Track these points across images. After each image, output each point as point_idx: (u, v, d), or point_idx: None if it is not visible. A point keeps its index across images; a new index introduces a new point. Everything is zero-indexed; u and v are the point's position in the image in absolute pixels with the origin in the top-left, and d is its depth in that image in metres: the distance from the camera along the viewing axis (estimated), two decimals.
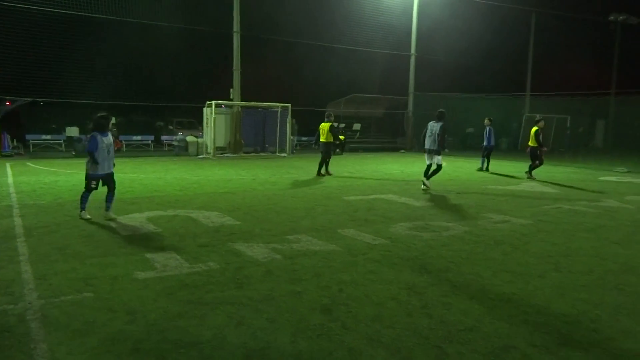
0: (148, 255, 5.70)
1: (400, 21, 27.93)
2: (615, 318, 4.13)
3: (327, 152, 14.42)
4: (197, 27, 24.93)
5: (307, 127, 28.19)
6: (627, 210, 9.36)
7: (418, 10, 27.56)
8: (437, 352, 3.49)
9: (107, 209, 7.71)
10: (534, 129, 14.29)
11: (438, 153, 11.48)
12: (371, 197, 10.44)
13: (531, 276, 5.21)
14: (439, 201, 9.99)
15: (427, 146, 11.61)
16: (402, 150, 27.52)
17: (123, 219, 7.65)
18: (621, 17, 33.15)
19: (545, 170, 15.34)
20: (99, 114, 7.74)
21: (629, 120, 36.02)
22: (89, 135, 7.70)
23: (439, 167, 11.60)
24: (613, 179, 14.70)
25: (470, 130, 31.35)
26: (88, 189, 7.67)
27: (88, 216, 7.63)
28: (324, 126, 14.31)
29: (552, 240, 6.84)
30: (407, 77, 28.91)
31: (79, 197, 7.86)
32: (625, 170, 16.91)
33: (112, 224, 7.29)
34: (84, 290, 4.56)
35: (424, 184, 11.64)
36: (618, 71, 35.19)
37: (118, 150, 23.07)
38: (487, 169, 16.46)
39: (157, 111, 30.40)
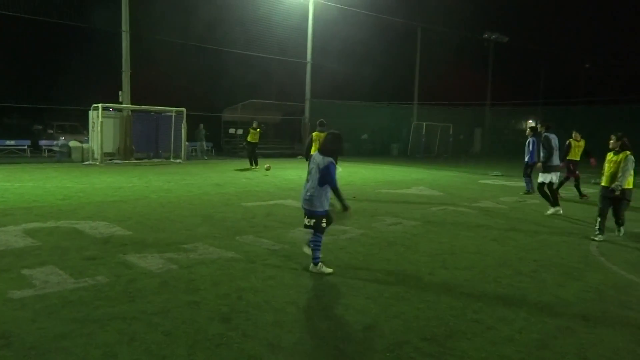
0: (25, 271, 5.16)
1: (296, 29, 28.35)
2: (494, 308, 4.53)
3: None
4: (82, 24, 23.17)
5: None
6: (501, 210, 10.32)
7: (313, 19, 28.17)
8: (336, 352, 3.57)
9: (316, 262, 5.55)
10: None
11: (544, 170, 9.73)
12: (270, 202, 10.43)
13: (422, 274, 5.54)
14: (335, 206, 10.24)
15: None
16: (300, 156, 27.88)
17: None
18: (494, 36, 36.65)
19: (431, 175, 16.42)
20: (335, 134, 5.69)
21: (501, 128, 40.11)
22: (325, 163, 5.42)
23: (550, 185, 9.76)
24: (489, 182, 16.17)
25: (364, 136, 32.68)
26: (321, 231, 5.56)
27: (330, 270, 5.52)
28: (318, 135, 10.78)
29: (439, 239, 7.33)
30: (303, 84, 29.39)
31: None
32: (499, 174, 18.66)
33: None
34: None
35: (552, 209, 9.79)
36: (492, 84, 38.86)
37: None
38: (530, 191, 12.84)
39: (34, 114, 27.74)
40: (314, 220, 5.48)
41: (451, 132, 34.37)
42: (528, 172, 12.87)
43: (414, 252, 6.51)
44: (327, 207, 5.56)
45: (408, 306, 4.51)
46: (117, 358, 3.38)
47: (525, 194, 12.82)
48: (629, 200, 7.52)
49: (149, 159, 22.25)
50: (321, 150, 5.62)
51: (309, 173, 5.71)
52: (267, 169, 13.29)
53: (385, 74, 36.66)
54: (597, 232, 7.55)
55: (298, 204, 10.32)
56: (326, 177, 5.42)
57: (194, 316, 4.14)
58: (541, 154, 9.94)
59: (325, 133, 10.58)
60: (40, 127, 27.63)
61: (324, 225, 5.54)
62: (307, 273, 5.43)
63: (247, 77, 31.57)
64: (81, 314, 4.11)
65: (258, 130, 19.08)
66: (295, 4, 27.44)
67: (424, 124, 33.25)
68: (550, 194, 9.81)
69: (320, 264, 5.50)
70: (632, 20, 42.49)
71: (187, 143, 23.34)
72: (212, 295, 4.64)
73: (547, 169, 9.71)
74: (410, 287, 5.05)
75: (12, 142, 23.03)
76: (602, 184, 7.60)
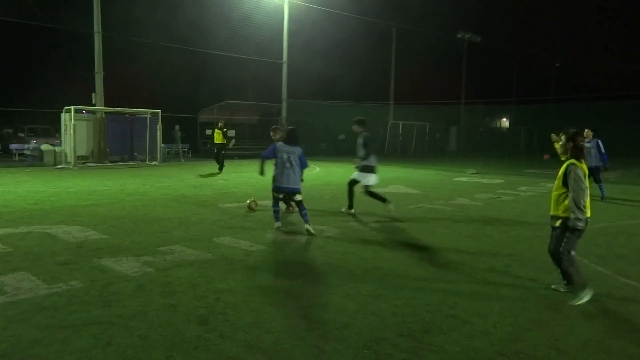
0: None
1: (272, 29, 28.27)
2: (469, 303, 4.61)
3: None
4: (54, 25, 22.63)
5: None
6: (476, 207, 10.50)
7: (289, 20, 28.12)
8: (315, 351, 3.59)
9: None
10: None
11: (361, 167, 9.08)
12: (247, 203, 10.37)
13: (399, 271, 5.60)
14: (313, 205, 10.27)
15: None
16: None
17: None
18: (467, 36, 37.19)
19: (408, 173, 16.59)
20: (294, 128, 7.75)
21: (475, 127, 40.77)
22: (302, 151, 7.53)
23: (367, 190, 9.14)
24: (464, 179, 16.41)
25: (341, 136, 32.80)
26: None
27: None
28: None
29: (416, 237, 7.42)
30: (280, 85, 29.33)
31: None
32: (474, 171, 18.96)
33: None
34: None
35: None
36: (466, 83, 39.44)
37: None
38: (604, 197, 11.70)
39: (4, 117, 27.04)
40: (301, 195, 7.40)
41: (427, 130, 34.75)
42: (600, 177, 11.70)
43: (391, 250, 6.57)
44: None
45: (385, 303, 4.56)
46: None
47: (601, 200, 11.41)
48: (579, 231, 4.60)
49: (123, 162, 21.93)
50: (290, 142, 7.42)
51: (287, 162, 7.27)
52: (250, 206, 9.46)
53: (361, 73, 36.92)
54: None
55: None
56: (305, 160, 7.50)
57: (171, 319, 4.11)
58: (363, 152, 8.99)
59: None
60: (11, 130, 26.97)
61: None
62: (284, 273, 5.44)
63: (223, 78, 31.42)
64: (55, 320, 4.04)
65: (225, 130, 18.07)
66: (270, 4, 27.38)
67: (401, 123, 33.56)
68: (351, 195, 9.18)
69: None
70: (601, 20, 43.67)
71: (163, 145, 23.07)
72: (189, 298, 4.61)
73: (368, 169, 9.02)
74: (387, 285, 5.11)
75: None
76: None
